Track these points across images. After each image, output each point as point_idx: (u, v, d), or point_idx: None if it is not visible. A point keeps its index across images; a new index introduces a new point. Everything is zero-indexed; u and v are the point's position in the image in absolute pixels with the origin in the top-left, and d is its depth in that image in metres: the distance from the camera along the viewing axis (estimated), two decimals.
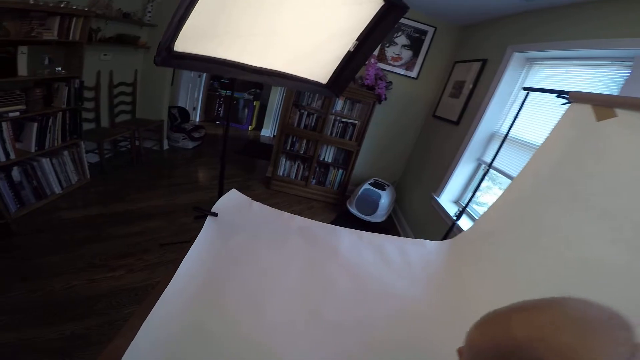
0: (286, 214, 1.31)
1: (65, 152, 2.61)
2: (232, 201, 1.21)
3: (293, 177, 3.56)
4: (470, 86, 2.73)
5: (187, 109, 4.88)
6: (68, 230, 2.19)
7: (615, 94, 1.49)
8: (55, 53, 2.32)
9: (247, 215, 1.22)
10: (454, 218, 1.95)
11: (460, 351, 0.44)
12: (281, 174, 3.55)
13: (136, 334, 0.70)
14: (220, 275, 0.98)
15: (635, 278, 0.85)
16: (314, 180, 3.56)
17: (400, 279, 1.15)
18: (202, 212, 1.11)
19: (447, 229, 2.05)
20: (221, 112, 6.30)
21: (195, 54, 1.03)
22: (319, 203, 3.51)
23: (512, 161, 2.09)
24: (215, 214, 1.10)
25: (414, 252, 1.34)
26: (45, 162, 2.41)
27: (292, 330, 0.85)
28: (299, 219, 1.32)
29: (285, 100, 3.32)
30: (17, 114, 2.12)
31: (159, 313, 0.77)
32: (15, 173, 2.18)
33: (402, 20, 3.14)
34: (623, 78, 1.50)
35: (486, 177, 2.39)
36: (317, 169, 3.54)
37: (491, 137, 2.51)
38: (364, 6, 1.34)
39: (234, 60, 1.15)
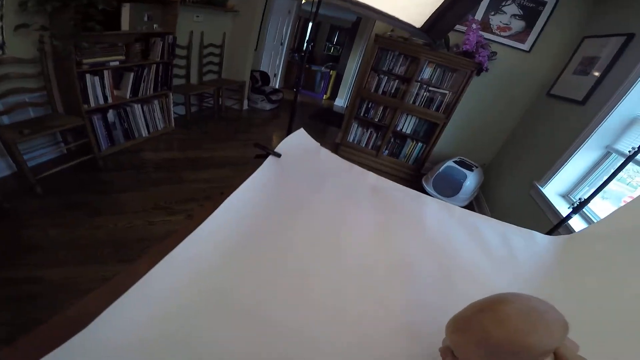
0: (358, 168, 1.08)
1: (156, 101, 2.81)
2: (299, 143, 1.03)
3: (364, 145, 3.30)
4: (607, 63, 2.10)
5: (268, 73, 4.95)
6: (146, 170, 2.33)
7: None
8: (153, 11, 2.49)
9: (314, 162, 1.03)
10: (562, 213, 1.50)
11: (443, 352, 0.50)
12: (351, 140, 3.31)
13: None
14: (268, 225, 0.82)
15: None
16: (387, 151, 3.25)
17: (501, 272, 0.86)
18: (264, 150, 0.95)
19: (548, 226, 1.60)
20: (299, 80, 6.51)
21: None
22: (389, 176, 3.18)
23: None
24: (279, 155, 0.94)
25: (520, 243, 1.01)
26: (137, 107, 2.61)
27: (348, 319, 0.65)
28: (373, 176, 1.09)
29: (364, 63, 3.01)
30: (117, 63, 2.29)
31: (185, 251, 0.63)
32: (111, 115, 2.38)
33: None
34: None
35: (612, 168, 1.81)
36: (392, 140, 3.21)
37: (633, 121, 1.88)
38: None
39: None
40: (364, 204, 0.96)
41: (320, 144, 1.15)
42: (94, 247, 1.55)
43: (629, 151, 1.22)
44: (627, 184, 1.87)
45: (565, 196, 2.18)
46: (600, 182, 1.48)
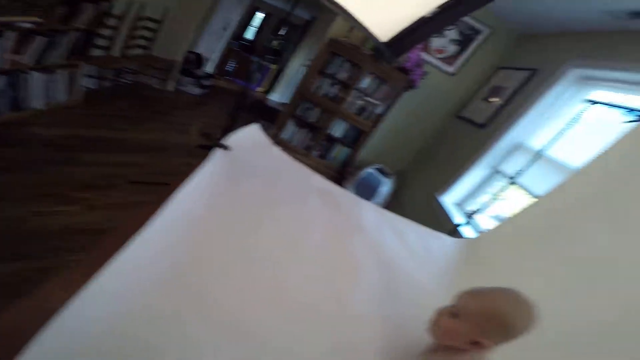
0: (306, 168, 1.14)
1: (63, 71, 2.36)
2: (251, 138, 1.03)
3: (296, 144, 3.37)
4: (510, 94, 2.62)
5: (204, 56, 4.60)
6: (36, 148, 1.91)
7: None
8: None
9: (266, 159, 1.04)
10: (455, 220, 1.85)
11: (445, 313, 0.64)
12: (284, 137, 3.34)
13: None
14: (219, 224, 0.81)
15: None
16: (316, 153, 3.38)
17: (422, 271, 1.03)
18: (213, 142, 0.92)
19: (442, 230, 1.95)
20: (233, 68, 6.35)
21: None
22: None
23: (532, 176, 1.97)
24: (227, 147, 0.92)
25: (434, 244, 1.22)
26: (37, 76, 2.16)
27: (310, 316, 0.70)
28: (318, 178, 1.16)
29: (313, 64, 3.08)
30: (30, 25, 1.94)
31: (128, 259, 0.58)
32: (1, 81, 1.92)
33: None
34: None
35: (496, 186, 2.31)
36: (323, 142, 3.35)
37: (516, 148, 2.41)
38: None
39: None
40: (312, 204, 1.02)
41: (258, 125, 1.16)
42: None
43: (502, 172, 1.58)
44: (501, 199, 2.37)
45: (459, 205, 2.64)
46: (482, 196, 1.88)
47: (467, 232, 2.01)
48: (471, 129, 2.84)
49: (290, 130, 3.33)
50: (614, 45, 1.98)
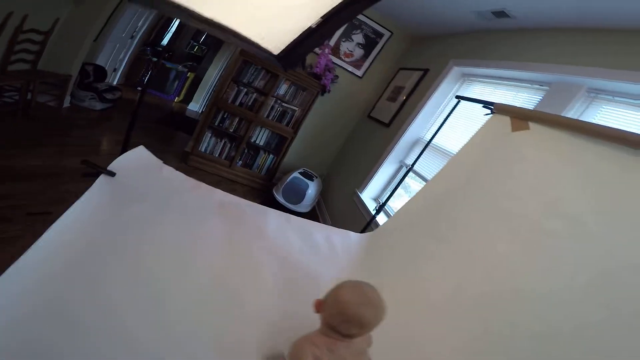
0: (205, 185, 1.13)
1: None
2: (137, 160, 0.98)
3: (217, 156, 3.27)
4: (408, 92, 2.90)
5: (106, 68, 4.13)
6: None
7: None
8: None
9: (155, 181, 1.00)
10: (372, 213, 2.02)
11: (318, 302, 0.72)
12: (203, 150, 3.22)
13: None
14: (105, 252, 0.77)
15: (520, 271, 0.93)
16: (240, 162, 3.34)
17: (327, 267, 1.10)
18: (94, 168, 0.86)
19: (365, 223, 2.11)
20: (147, 78, 5.69)
21: None
22: (243, 186, 3.31)
23: (431, 166, 2.25)
24: (113, 174, 0.87)
25: (339, 242, 1.31)
26: None
27: (197, 322, 0.71)
28: (220, 193, 1.16)
29: (226, 72, 3.03)
30: None
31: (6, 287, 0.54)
32: None
33: (364, 19, 3.20)
34: (536, 101, 1.73)
35: (405, 179, 2.56)
36: (246, 151, 3.33)
37: (416, 142, 2.70)
38: None
39: (187, 5, 0.94)
40: (211, 219, 1.02)
41: (167, 151, 1.13)
42: None
43: (407, 165, 1.77)
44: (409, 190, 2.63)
45: (377, 199, 2.86)
46: (395, 188, 2.08)
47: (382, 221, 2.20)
48: (380, 128, 3.09)
49: (209, 141, 3.22)
50: (484, 44, 2.32)
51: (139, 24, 4.71)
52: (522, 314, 0.82)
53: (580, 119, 1.54)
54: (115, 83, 4.96)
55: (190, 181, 1.11)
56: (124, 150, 1.27)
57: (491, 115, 1.46)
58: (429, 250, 1.23)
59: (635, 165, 0.86)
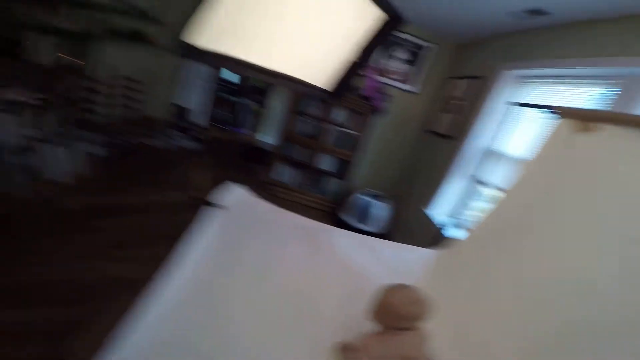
0: (287, 212, 1.34)
1: (71, 142, 2.62)
2: (238, 196, 1.24)
3: (288, 183, 3.60)
4: (463, 102, 2.83)
5: (191, 109, 4.89)
6: (63, 216, 2.17)
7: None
8: (68, 43, 2.47)
9: (252, 211, 1.25)
10: (442, 229, 2.02)
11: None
12: (278, 179, 3.58)
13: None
14: (220, 269, 1.00)
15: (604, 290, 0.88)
16: (310, 188, 3.60)
17: (394, 279, 1.19)
18: (209, 203, 1.14)
19: (435, 239, 2.10)
20: (224, 116, 6.48)
21: (213, 50, 1.09)
22: (313, 210, 3.54)
23: (501, 175, 2.16)
24: (222, 207, 1.13)
25: (407, 257, 1.38)
26: (52, 150, 2.44)
27: (286, 324, 0.87)
28: (299, 218, 1.36)
29: (287, 108, 3.38)
30: (32, 101, 2.15)
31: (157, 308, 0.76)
32: (22, 158, 2.22)
33: (404, 35, 3.26)
34: (613, 96, 1.60)
35: (475, 191, 2.48)
36: (314, 177, 3.58)
37: (481, 152, 2.59)
38: (366, 18, 1.42)
39: (246, 60, 1.21)
40: (293, 239, 1.21)
41: (248, 182, 1.39)
42: (31, 292, 1.49)
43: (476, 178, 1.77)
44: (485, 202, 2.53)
45: (448, 215, 2.79)
46: (470, 202, 2.05)
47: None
48: (441, 141, 3.05)
49: (281, 170, 3.57)
50: (531, 44, 2.21)
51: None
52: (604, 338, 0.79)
53: None
54: (199, 122, 5.79)
55: (276, 209, 1.33)
56: (219, 185, 1.58)
57: (557, 119, 1.42)
58: (504, 264, 1.23)
59: None
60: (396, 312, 0.77)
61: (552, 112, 1.46)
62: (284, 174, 3.59)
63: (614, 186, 1.01)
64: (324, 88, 1.65)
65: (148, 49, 3.40)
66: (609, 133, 1.12)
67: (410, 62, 3.42)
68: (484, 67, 2.69)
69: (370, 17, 1.43)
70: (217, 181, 3.23)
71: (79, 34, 2.42)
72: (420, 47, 3.36)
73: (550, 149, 1.40)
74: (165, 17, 3.30)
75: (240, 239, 1.10)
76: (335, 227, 1.39)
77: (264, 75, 1.33)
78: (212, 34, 1.02)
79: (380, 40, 1.54)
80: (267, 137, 6.26)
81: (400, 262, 1.34)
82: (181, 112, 4.47)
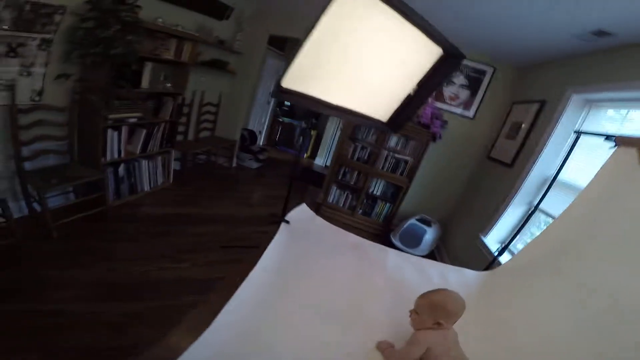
0: (342, 230, 1.53)
1: (159, 158, 3.09)
2: (301, 213, 1.49)
3: (341, 206, 3.79)
4: (527, 128, 2.75)
5: (255, 132, 5.33)
6: (149, 222, 2.59)
7: None
8: (168, 71, 2.77)
9: (312, 227, 1.47)
10: (495, 254, 2.00)
11: (412, 312, 1.00)
12: (331, 201, 3.80)
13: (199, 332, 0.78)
14: (285, 275, 1.20)
15: None
16: (361, 211, 3.74)
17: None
18: (278, 219, 1.38)
19: (486, 265, 2.08)
20: (279, 137, 6.92)
21: (295, 90, 1.35)
22: (363, 232, 3.66)
23: (563, 205, 2.08)
24: (288, 222, 1.37)
25: (453, 278, 1.45)
26: (144, 163, 2.89)
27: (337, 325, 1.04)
28: (353, 236, 1.54)
29: (343, 132, 3.63)
30: (135, 120, 2.56)
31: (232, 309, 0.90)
32: (122, 169, 2.66)
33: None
34: None
35: (534, 221, 2.39)
36: (365, 201, 3.72)
37: (544, 181, 2.51)
38: (424, 54, 1.60)
39: (321, 98, 1.46)
40: (346, 253, 1.38)
41: (305, 204, 1.61)
42: (112, 287, 1.79)
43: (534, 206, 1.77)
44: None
45: (503, 244, 2.70)
46: (520, 229, 2.04)
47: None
48: (502, 169, 2.99)
49: (335, 193, 3.80)
50: (601, 65, 2.13)
51: (271, 89, 5.79)
52: None
53: None
54: (261, 143, 6.30)
55: (333, 228, 1.53)
56: (285, 203, 1.83)
57: (615, 148, 1.42)
58: (549, 288, 1.25)
59: None
60: (445, 309, 0.92)
61: (609, 140, 1.47)
62: (337, 196, 3.80)
63: None
64: (385, 121, 1.85)
65: (227, 76, 3.96)
66: None
67: (469, 87, 3.43)
68: (550, 91, 2.62)
69: (433, 55, 1.61)
70: (274, 199, 3.56)
71: (179, 63, 2.84)
72: (479, 71, 3.36)
73: (603, 177, 1.40)
74: (242, 49, 3.84)
75: (303, 249, 1.31)
76: (385, 247, 1.53)
77: (334, 111, 1.57)
78: (297, 76, 1.28)
79: (443, 77, 1.70)
80: (322, 159, 6.60)
81: (444, 280, 1.42)
82: (247, 133, 4.90)
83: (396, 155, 3.50)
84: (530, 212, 2.23)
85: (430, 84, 1.72)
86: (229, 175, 4.37)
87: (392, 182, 3.57)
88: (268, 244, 1.24)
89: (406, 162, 3.48)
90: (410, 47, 1.50)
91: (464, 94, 3.46)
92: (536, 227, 2.40)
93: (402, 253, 1.53)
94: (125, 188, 2.78)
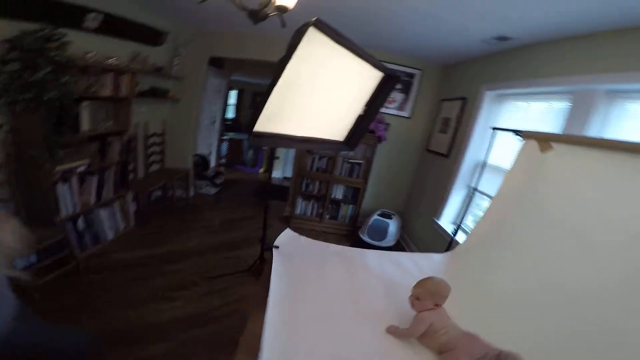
0: (323, 243, 1.74)
1: (116, 203, 2.95)
2: (287, 237, 1.65)
3: (309, 215, 3.99)
4: (455, 122, 3.23)
5: (206, 156, 5.14)
6: (124, 269, 2.52)
7: (561, 127, 1.97)
8: (108, 108, 2.57)
9: (298, 246, 1.64)
10: (452, 235, 2.37)
11: (412, 299, 1.22)
12: (298, 212, 3.97)
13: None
14: (281, 290, 1.36)
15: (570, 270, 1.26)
16: (328, 216, 3.98)
17: (410, 280, 1.56)
18: (269, 246, 1.54)
19: (447, 246, 2.45)
20: (229, 155, 6.69)
21: (265, 132, 1.50)
22: (334, 235, 3.90)
23: (494, 184, 2.53)
24: (277, 247, 1.53)
25: (424, 263, 1.74)
26: (102, 212, 2.76)
27: (340, 320, 1.24)
28: (333, 246, 1.75)
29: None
30: (83, 168, 2.38)
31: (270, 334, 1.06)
32: (80, 223, 2.53)
33: (393, 66, 3.67)
34: (566, 110, 1.97)
35: (473, 200, 2.84)
36: (330, 206, 3.97)
37: (477, 165, 2.98)
38: (369, 80, 1.87)
39: (289, 134, 1.64)
40: (332, 261, 1.58)
41: (270, 218, 1.77)
42: (115, 335, 1.78)
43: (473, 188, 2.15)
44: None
45: (455, 223, 3.14)
46: (465, 210, 2.42)
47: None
48: (440, 159, 3.45)
49: (301, 205, 3.97)
50: (506, 65, 2.58)
51: (214, 108, 5.55)
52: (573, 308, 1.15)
53: (606, 121, 1.78)
54: (212, 166, 5.81)
55: (315, 242, 1.72)
56: (263, 233, 1.96)
57: (523, 141, 1.82)
58: (497, 260, 1.59)
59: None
60: (440, 292, 1.19)
61: (517, 134, 1.88)
62: (304, 207, 3.98)
63: (571, 190, 1.39)
64: (344, 140, 2.09)
65: (168, 103, 3.77)
66: (561, 150, 1.51)
67: (401, 89, 3.82)
68: (469, 88, 3.09)
69: (375, 79, 1.89)
70: (239, 222, 3.59)
71: (119, 99, 2.64)
72: (409, 75, 3.76)
73: (518, 164, 1.80)
74: (181, 73, 3.72)
75: (296, 266, 1.47)
76: (363, 249, 1.76)
77: (300, 144, 1.76)
78: (268, 119, 1.43)
79: (385, 95, 1.98)
80: (279, 172, 6.65)
81: (418, 267, 1.70)
82: (199, 159, 4.72)
83: (350, 160, 3.79)
84: (470, 194, 2.65)
85: (376, 103, 2.01)
86: (188, 206, 4.25)
87: (351, 185, 3.86)
88: (265, 268, 1.38)
89: (360, 165, 3.79)
90: (358, 76, 1.77)
91: (400, 96, 3.88)
92: (477, 206, 2.85)
93: (378, 251, 1.78)
94: (88, 239, 2.65)
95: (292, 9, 1.52)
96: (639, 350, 0.92)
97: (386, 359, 1.07)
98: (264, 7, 1.49)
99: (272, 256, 1.46)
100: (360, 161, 3.79)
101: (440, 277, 1.24)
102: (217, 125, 6.05)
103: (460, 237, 2.53)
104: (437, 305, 1.18)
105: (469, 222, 2.81)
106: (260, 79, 7.05)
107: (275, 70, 1.34)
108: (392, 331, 1.18)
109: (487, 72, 2.88)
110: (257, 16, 1.51)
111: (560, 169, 1.48)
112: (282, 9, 1.49)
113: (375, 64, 1.77)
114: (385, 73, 1.89)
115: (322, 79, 1.57)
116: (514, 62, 2.53)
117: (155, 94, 3.43)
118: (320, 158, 3.84)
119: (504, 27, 2.16)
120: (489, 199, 2.59)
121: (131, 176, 3.40)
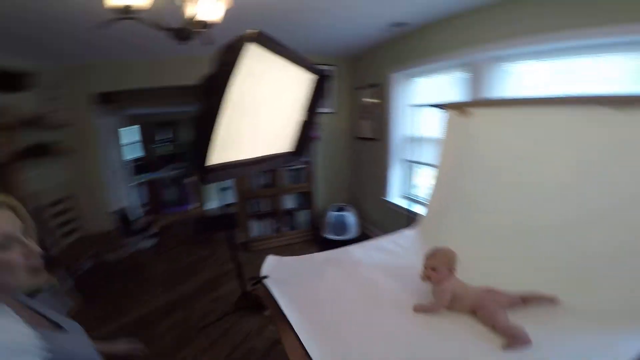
0: (307, 256, 1.74)
1: (47, 289, 2.44)
2: (271, 264, 1.60)
3: (267, 233, 3.88)
4: (373, 107, 3.51)
5: (128, 208, 4.42)
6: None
7: (469, 94, 2.32)
8: None
9: (287, 267, 1.60)
10: (408, 209, 2.58)
11: (428, 271, 1.29)
12: (254, 234, 3.83)
13: None
14: (297, 311, 1.32)
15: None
16: (286, 228, 3.94)
17: (402, 260, 1.68)
18: (258, 278, 1.46)
19: (407, 219, 2.66)
20: (152, 200, 5.91)
21: (217, 164, 1.38)
22: (299, 245, 3.90)
23: (428, 154, 2.83)
24: (267, 277, 1.47)
25: (402, 241, 1.89)
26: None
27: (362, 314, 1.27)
28: (316, 255, 1.77)
29: None
30: None
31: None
32: None
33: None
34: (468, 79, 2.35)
35: (412, 171, 3.15)
36: (285, 218, 3.93)
37: (406, 140, 3.29)
38: (305, 83, 1.89)
39: (241, 159, 1.55)
40: (325, 269, 1.60)
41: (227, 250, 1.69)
42: None
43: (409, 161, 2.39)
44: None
45: (403, 195, 3.42)
46: (409, 183, 2.65)
47: (419, 210, 2.72)
48: (372, 143, 3.71)
49: (255, 227, 3.84)
50: (410, 47, 2.86)
51: (116, 152, 4.61)
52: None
53: (503, 83, 2.17)
54: (137, 214, 4.97)
55: (300, 258, 1.72)
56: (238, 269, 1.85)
57: (446, 112, 2.09)
58: (459, 217, 1.81)
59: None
60: (452, 258, 1.28)
61: (439, 107, 2.13)
62: (259, 228, 3.86)
63: (492, 145, 1.65)
64: (293, 151, 2.07)
65: (63, 160, 3.21)
66: (478, 113, 1.78)
67: None
68: (378, 74, 3.36)
69: (311, 82, 1.91)
70: (193, 265, 3.35)
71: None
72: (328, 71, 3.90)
73: (448, 132, 2.05)
74: (67, 119, 3.14)
75: (293, 286, 1.44)
76: (344, 247, 1.82)
77: (256, 166, 1.70)
78: (216, 149, 1.32)
79: (320, 95, 2.02)
80: (215, 202, 6.18)
81: (400, 246, 1.84)
82: (120, 215, 4.06)
83: (292, 167, 3.80)
84: (409, 166, 2.93)
85: (314, 105, 2.06)
86: (130, 267, 3.71)
87: (299, 191, 3.88)
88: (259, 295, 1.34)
89: (302, 169, 3.83)
90: (296, 82, 1.79)
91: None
92: (418, 175, 3.16)
93: (358, 244, 1.85)
94: None
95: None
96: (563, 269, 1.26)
97: (435, 335, 1.12)
98: (189, 23, 1.41)
99: (265, 287, 1.40)
100: (302, 165, 3.83)
101: (444, 246, 1.34)
102: (128, 169, 5.30)
103: (418, 209, 2.76)
104: (452, 269, 1.27)
105: (418, 192, 3.10)
106: (161, 107, 6.13)
107: (206, 91, 1.24)
108: (420, 308, 1.24)
109: (391, 56, 3.17)
110: (183, 34, 1.42)
111: (485, 130, 1.75)
112: (207, 25, 1.43)
113: (309, 67, 1.81)
114: (318, 74, 1.95)
115: (264, 92, 1.54)
116: (414, 43, 2.82)
117: (41, 152, 2.85)
118: (262, 174, 3.76)
119: (397, 14, 2.38)
120: (428, 166, 2.89)
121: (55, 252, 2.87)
